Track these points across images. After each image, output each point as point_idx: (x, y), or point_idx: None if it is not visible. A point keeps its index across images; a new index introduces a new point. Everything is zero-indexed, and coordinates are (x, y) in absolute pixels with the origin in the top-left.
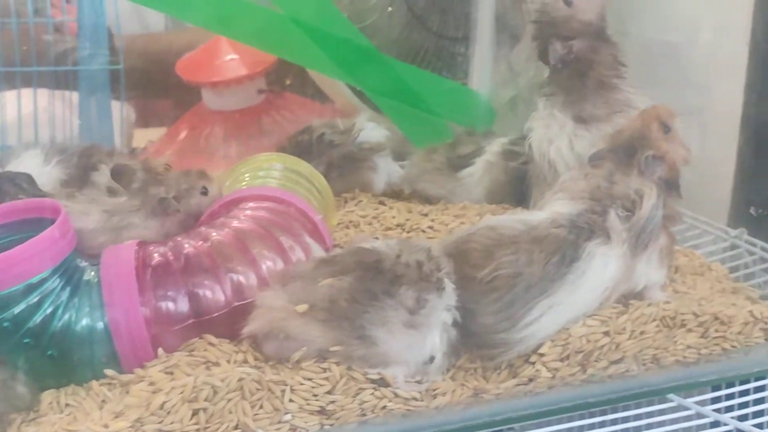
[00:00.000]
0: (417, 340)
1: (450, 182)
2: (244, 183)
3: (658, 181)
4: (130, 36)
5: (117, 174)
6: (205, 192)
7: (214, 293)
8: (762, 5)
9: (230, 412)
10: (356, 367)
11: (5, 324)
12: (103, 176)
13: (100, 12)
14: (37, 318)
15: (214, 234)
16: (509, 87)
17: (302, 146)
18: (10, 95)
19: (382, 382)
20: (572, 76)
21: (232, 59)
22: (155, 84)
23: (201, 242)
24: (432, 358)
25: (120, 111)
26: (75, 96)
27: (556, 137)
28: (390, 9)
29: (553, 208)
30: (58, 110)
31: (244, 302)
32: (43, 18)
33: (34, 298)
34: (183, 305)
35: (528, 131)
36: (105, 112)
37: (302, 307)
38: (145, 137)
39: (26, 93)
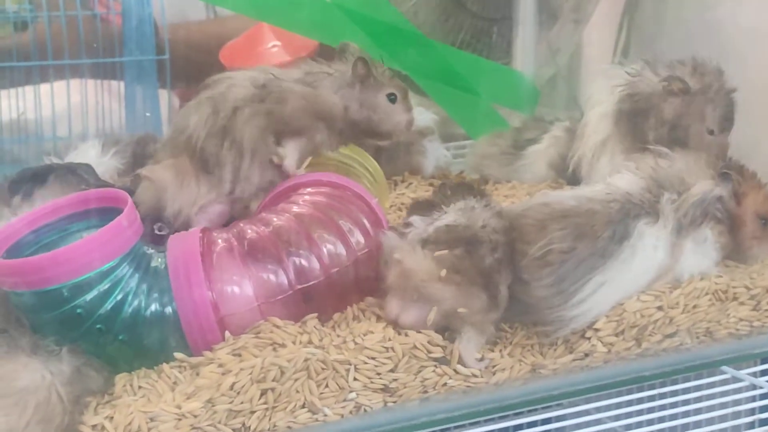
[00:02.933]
0: None
1: (516, 161)
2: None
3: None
4: (174, 25)
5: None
6: (393, 98)
7: (278, 277)
8: None
9: (297, 392)
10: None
11: (78, 311)
12: None
13: (146, 3)
14: (108, 304)
15: (275, 219)
16: (548, 66)
17: None
18: (58, 86)
19: (444, 360)
20: None
21: (274, 46)
22: (199, 72)
23: (263, 227)
24: None
25: (166, 100)
26: (121, 86)
27: None
28: None
29: (611, 182)
30: (105, 101)
31: (306, 285)
32: (90, 10)
33: (105, 286)
34: (248, 289)
35: None
36: (151, 101)
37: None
38: None
39: (74, 84)
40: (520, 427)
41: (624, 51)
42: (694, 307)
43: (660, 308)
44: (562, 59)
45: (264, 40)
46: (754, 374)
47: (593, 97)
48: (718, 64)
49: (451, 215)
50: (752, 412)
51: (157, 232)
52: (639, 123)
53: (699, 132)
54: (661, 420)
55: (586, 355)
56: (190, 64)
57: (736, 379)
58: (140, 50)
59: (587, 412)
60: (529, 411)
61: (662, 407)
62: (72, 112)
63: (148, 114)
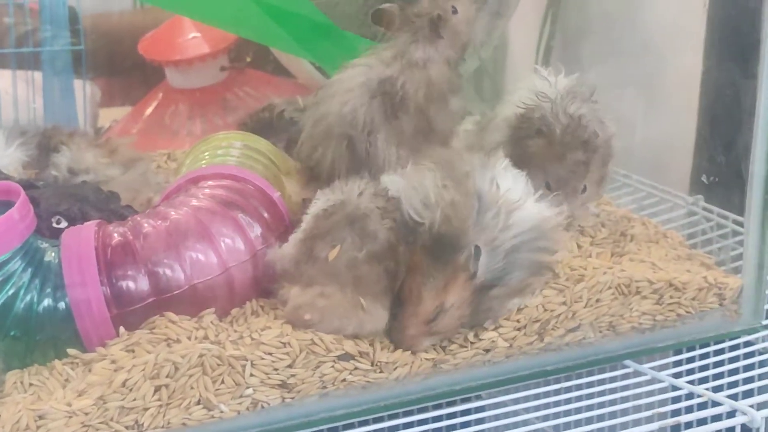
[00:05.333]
0: None
1: None
2: (203, 162)
3: None
4: (94, 15)
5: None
6: (455, 11)
7: (174, 271)
8: None
9: (192, 388)
10: None
11: None
12: (64, 157)
13: None
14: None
15: (172, 213)
16: (472, 59)
17: (263, 123)
18: None
19: (345, 357)
20: None
21: (194, 37)
22: (119, 63)
23: (160, 221)
24: None
25: (83, 90)
26: (38, 76)
27: None
28: None
29: None
30: (21, 91)
31: (203, 280)
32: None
33: None
34: (143, 284)
35: None
36: (68, 92)
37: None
38: (110, 116)
39: None
40: (440, 418)
41: (548, 45)
42: (597, 301)
43: (563, 303)
44: (486, 52)
45: (183, 31)
46: (661, 368)
47: (507, 96)
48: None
49: (323, 197)
50: (653, 405)
51: (54, 225)
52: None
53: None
54: (578, 411)
55: (487, 350)
56: (111, 55)
57: (638, 374)
58: (56, 40)
59: (504, 404)
60: (448, 403)
61: (568, 401)
62: None
63: (34, 105)
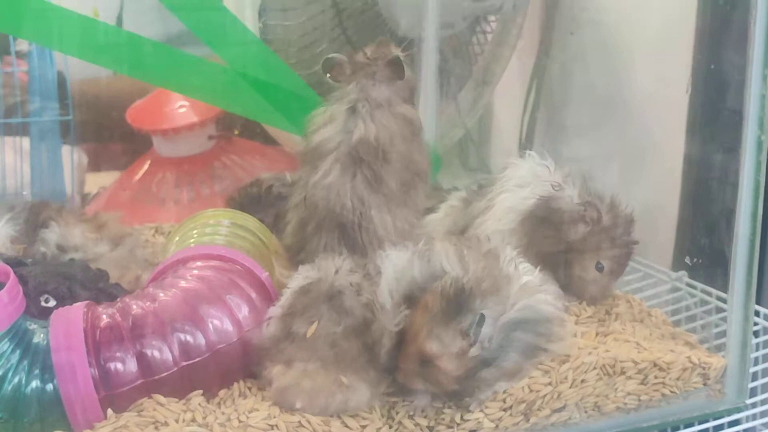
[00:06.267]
0: None
1: None
2: (192, 240)
3: None
4: (82, 81)
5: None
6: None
7: (162, 353)
8: (701, 51)
9: None
10: None
11: None
12: (53, 233)
13: (50, 65)
14: None
15: (161, 294)
16: (457, 128)
17: (251, 198)
18: None
19: None
20: None
21: (182, 106)
22: (107, 129)
23: (148, 303)
24: None
25: (71, 157)
26: (26, 142)
27: None
28: None
29: None
30: (8, 158)
31: (191, 362)
32: None
33: None
34: (131, 366)
35: None
36: (55, 159)
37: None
38: (98, 181)
39: None
40: None
41: (532, 116)
42: (582, 381)
43: (549, 383)
44: (471, 121)
45: (171, 100)
46: None
47: (510, 182)
48: (632, 213)
49: (303, 273)
50: None
51: (43, 304)
52: (542, 232)
53: (589, 262)
54: None
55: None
56: (98, 121)
57: None
58: (44, 111)
59: None
60: None
61: None
62: None
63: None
